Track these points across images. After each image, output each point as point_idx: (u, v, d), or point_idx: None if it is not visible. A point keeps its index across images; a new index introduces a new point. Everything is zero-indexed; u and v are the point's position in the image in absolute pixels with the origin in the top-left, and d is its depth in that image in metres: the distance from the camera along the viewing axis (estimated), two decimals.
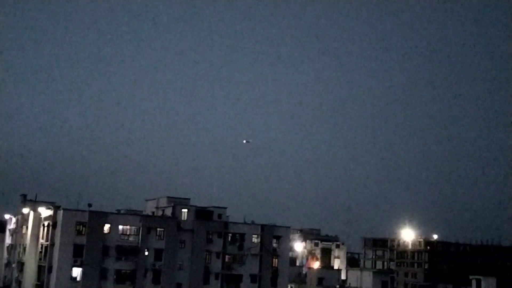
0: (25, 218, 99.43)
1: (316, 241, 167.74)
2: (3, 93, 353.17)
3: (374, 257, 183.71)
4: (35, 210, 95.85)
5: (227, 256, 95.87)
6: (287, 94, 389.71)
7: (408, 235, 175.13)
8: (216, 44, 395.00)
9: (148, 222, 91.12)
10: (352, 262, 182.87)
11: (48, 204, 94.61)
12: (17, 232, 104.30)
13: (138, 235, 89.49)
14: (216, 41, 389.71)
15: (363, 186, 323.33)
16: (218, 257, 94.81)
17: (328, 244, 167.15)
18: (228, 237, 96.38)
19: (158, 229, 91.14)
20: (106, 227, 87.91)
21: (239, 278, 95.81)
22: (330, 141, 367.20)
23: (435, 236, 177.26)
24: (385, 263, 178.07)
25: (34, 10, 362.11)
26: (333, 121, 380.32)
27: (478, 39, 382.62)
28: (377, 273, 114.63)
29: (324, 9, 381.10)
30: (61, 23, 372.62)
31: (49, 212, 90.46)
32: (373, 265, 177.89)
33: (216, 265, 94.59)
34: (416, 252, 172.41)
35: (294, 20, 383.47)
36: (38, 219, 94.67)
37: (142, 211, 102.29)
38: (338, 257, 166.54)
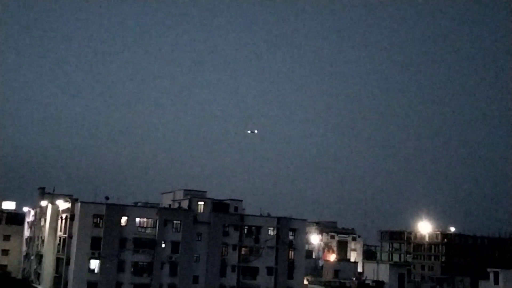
0: (43, 211, 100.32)
1: (333, 233, 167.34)
2: (23, 90, 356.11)
3: (390, 249, 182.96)
4: (53, 203, 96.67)
5: (243, 249, 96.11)
6: (299, 85, 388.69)
7: (425, 227, 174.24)
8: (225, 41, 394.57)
9: (165, 215, 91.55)
10: (369, 254, 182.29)
11: (66, 197, 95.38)
12: (36, 225, 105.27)
13: (155, 227, 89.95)
14: (222, 37, 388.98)
15: (380, 179, 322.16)
16: (234, 249, 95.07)
17: (345, 237, 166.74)
18: (244, 230, 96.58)
19: (175, 221, 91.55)
20: (123, 219, 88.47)
21: (255, 270, 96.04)
22: (348, 133, 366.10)
23: (452, 229, 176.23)
24: (402, 256, 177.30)
25: (36, 11, 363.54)
26: (350, 113, 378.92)
27: (485, 33, 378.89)
28: (393, 265, 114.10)
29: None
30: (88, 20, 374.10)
31: (67, 205, 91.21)
32: (390, 258, 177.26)
33: (233, 258, 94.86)
34: (433, 245, 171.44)
35: (299, 11, 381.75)
36: (56, 212, 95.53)
37: (159, 204, 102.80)
38: (354, 250, 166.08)
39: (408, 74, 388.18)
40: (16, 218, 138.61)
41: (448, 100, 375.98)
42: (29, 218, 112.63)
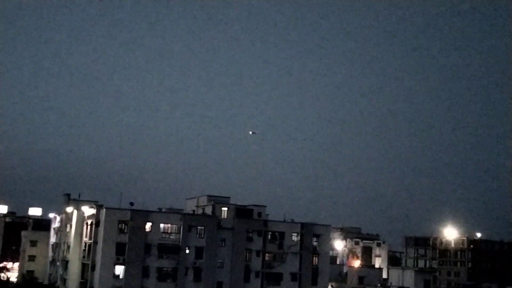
0: (69, 217, 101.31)
1: (357, 239, 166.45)
2: (49, 98, 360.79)
3: (416, 255, 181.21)
4: (78, 209, 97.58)
5: (267, 255, 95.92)
6: (318, 91, 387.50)
7: (450, 233, 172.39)
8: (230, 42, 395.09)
9: (189, 221, 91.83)
10: (394, 260, 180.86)
11: (91, 203, 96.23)
12: (62, 231, 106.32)
13: (179, 233, 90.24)
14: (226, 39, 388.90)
15: (405, 184, 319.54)
16: (258, 255, 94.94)
17: (369, 243, 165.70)
18: (268, 236, 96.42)
19: (199, 227, 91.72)
20: (148, 225, 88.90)
21: (279, 276, 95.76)
22: (371, 138, 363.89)
23: (479, 235, 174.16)
24: (427, 262, 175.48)
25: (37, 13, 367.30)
26: (376, 118, 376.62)
27: (486, 33, 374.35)
28: (419, 272, 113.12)
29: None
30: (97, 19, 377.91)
31: (92, 211, 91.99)
32: (415, 264, 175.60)
33: (257, 263, 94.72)
34: (459, 251, 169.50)
35: (300, 12, 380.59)
36: (81, 218, 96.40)
37: (182, 210, 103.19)
38: (379, 256, 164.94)
39: (424, 73, 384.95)
40: (42, 224, 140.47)
41: (476, 104, 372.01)
42: (55, 224, 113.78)
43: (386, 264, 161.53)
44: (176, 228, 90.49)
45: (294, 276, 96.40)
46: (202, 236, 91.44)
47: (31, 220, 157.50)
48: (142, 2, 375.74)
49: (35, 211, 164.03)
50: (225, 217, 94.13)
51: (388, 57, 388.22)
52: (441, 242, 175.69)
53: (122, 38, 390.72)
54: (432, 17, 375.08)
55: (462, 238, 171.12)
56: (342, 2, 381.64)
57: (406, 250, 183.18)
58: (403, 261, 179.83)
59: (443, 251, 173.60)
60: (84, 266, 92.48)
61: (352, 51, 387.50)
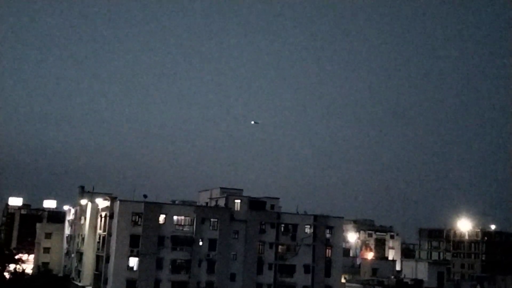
0: (83, 209, 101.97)
1: (370, 231, 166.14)
2: (62, 93, 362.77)
3: (429, 247, 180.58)
4: (92, 201, 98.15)
5: (280, 247, 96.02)
6: (326, 80, 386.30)
7: (464, 225, 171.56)
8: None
9: (202, 213, 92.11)
10: (407, 253, 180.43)
11: (105, 195, 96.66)
12: (76, 223, 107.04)
13: (193, 225, 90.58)
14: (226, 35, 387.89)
15: (419, 176, 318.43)
16: (271, 247, 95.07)
17: (382, 235, 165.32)
18: (281, 228, 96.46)
19: (212, 219, 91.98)
20: (162, 217, 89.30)
21: (292, 268, 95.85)
22: (383, 130, 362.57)
23: (493, 227, 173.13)
24: (441, 254, 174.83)
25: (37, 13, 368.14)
26: (388, 109, 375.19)
27: (486, 32, 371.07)
28: (432, 264, 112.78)
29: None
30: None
31: (106, 203, 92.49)
32: (429, 256, 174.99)
33: (270, 256, 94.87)
34: (473, 243, 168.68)
35: (301, 8, 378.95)
36: (95, 210, 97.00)
37: (196, 202, 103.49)
38: (392, 248, 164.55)
39: (433, 62, 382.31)
40: (57, 217, 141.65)
41: (492, 97, 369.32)
42: (70, 217, 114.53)
43: (399, 256, 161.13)
44: (190, 220, 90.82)
45: (307, 268, 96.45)
46: (215, 228, 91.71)
47: (45, 213, 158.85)
48: (140, 3, 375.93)
49: (49, 204, 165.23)
50: (238, 209, 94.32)
51: (400, 44, 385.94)
52: (455, 234, 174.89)
53: (130, 33, 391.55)
54: (434, 16, 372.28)
55: (476, 230, 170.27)
56: (343, 2, 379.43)
57: (420, 242, 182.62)
58: (417, 253, 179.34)
59: (457, 243, 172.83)
60: (98, 258, 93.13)
61: (360, 40, 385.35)
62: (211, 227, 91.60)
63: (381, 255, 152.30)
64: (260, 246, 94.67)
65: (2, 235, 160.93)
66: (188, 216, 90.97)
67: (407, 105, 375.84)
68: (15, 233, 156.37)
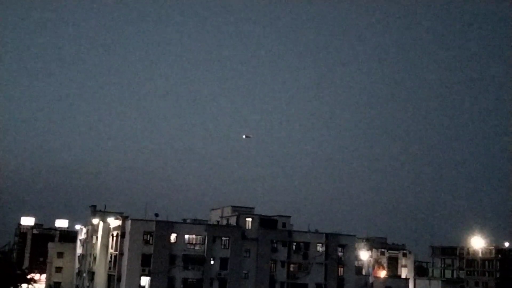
0: (95, 229, 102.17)
1: (383, 249, 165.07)
2: (71, 109, 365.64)
3: (443, 265, 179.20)
4: (104, 221, 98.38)
5: (292, 265, 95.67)
6: (330, 95, 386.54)
7: (478, 243, 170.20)
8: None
9: (214, 231, 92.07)
10: (420, 271, 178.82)
11: (116, 214, 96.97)
12: (88, 242, 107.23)
13: (204, 244, 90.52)
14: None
15: (431, 194, 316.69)
16: (283, 266, 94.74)
17: (395, 253, 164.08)
18: (292, 246, 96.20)
19: (223, 238, 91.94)
20: (173, 236, 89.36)
21: (304, 287, 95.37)
22: (395, 146, 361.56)
23: (507, 244, 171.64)
24: (455, 272, 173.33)
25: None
26: (399, 124, 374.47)
27: (486, 32, 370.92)
28: (446, 282, 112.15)
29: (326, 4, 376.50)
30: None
31: (118, 222, 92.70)
32: (442, 274, 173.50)
33: (281, 274, 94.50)
34: (486, 261, 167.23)
35: (297, 13, 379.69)
36: (107, 229, 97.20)
37: (207, 221, 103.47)
38: (405, 266, 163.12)
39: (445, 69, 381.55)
40: (69, 236, 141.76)
41: (501, 112, 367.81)
42: (81, 236, 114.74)
43: (412, 274, 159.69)
44: (201, 239, 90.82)
45: (319, 287, 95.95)
46: (227, 247, 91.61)
47: (57, 232, 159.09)
48: (145, 5, 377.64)
49: (61, 223, 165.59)
50: (250, 227, 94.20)
51: (399, 52, 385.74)
52: (468, 252, 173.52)
53: (140, 45, 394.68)
54: (434, 16, 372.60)
55: (489, 247, 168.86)
56: (340, 4, 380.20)
57: (433, 260, 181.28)
58: (430, 271, 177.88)
59: (471, 261, 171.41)
60: (110, 277, 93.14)
61: (356, 48, 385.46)
62: (222, 246, 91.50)
63: (394, 274, 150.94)
64: (272, 264, 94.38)
65: (14, 254, 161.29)
66: (199, 235, 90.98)
67: (419, 119, 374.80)
68: (27, 253, 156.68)
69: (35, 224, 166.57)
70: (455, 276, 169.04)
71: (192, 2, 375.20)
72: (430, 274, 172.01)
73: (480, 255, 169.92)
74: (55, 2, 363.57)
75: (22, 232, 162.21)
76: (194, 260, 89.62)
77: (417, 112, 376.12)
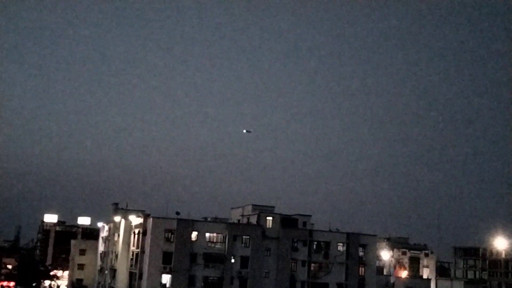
0: (116, 226, 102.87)
1: (404, 249, 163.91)
2: (95, 109, 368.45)
3: (465, 266, 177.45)
4: (126, 218, 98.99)
5: (312, 264, 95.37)
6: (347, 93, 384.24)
7: (501, 243, 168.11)
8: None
9: (234, 230, 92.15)
10: (442, 271, 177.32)
11: (138, 212, 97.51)
12: (110, 240, 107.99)
13: (225, 242, 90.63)
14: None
15: (454, 193, 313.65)
16: (303, 265, 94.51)
17: (417, 253, 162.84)
18: (313, 245, 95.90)
19: (244, 236, 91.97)
20: (194, 234, 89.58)
21: (325, 286, 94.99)
22: (416, 146, 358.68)
23: None
24: (477, 273, 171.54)
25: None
26: (425, 126, 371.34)
27: (486, 32, 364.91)
28: (468, 283, 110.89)
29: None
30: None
31: (139, 220, 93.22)
32: (465, 275, 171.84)
33: (302, 273, 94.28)
34: (510, 261, 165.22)
35: (298, 10, 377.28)
36: (129, 227, 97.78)
37: (228, 219, 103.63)
38: (427, 266, 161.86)
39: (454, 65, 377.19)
40: (91, 233, 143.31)
41: None
42: (103, 233, 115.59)
43: (434, 275, 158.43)
44: (222, 237, 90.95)
45: (340, 287, 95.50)
46: (247, 245, 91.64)
47: (80, 229, 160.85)
48: (143, 3, 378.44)
49: (84, 220, 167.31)
50: (270, 226, 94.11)
51: (399, 54, 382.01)
52: (491, 253, 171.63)
53: (150, 47, 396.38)
54: (434, 15, 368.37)
55: None
56: (342, 3, 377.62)
57: (455, 261, 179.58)
58: (452, 272, 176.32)
59: (494, 262, 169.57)
60: (131, 274, 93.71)
61: (355, 49, 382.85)
62: (243, 245, 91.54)
63: (415, 274, 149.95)
64: (293, 263, 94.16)
65: (38, 251, 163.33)
66: (220, 233, 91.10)
67: (440, 118, 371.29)
68: (50, 250, 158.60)
69: (58, 221, 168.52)
70: (477, 277, 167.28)
71: (194, 0, 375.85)
72: (452, 274, 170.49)
73: (503, 255, 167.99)
74: (55, 2, 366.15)
75: (45, 229, 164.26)
76: (214, 259, 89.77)
77: (439, 111, 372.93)
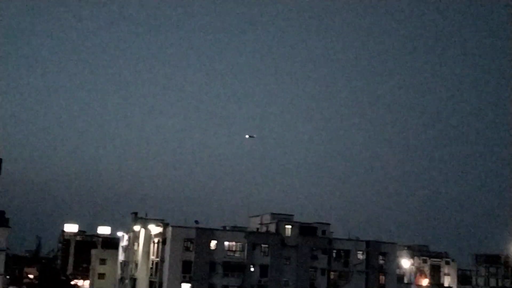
0: (136, 236, 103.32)
1: (425, 257, 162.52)
2: (114, 121, 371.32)
3: (487, 274, 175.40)
4: (145, 228, 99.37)
5: (332, 273, 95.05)
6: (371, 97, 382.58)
7: None
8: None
9: (253, 239, 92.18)
10: (464, 279, 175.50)
11: (157, 221, 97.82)
12: (130, 249, 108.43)
13: (244, 251, 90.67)
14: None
15: (475, 200, 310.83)
16: (323, 273, 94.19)
17: (437, 261, 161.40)
18: (332, 254, 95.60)
19: (263, 245, 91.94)
20: (213, 243, 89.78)
21: None
22: (438, 153, 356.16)
23: None
24: (499, 281, 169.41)
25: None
26: (445, 132, 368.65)
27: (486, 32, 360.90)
28: None
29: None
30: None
31: (159, 229, 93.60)
32: (486, 283, 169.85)
33: (322, 282, 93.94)
34: None
35: (300, 14, 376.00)
36: (148, 236, 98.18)
37: (246, 228, 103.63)
38: (448, 274, 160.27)
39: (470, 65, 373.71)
40: (111, 243, 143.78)
41: None
42: (123, 243, 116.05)
43: (455, 283, 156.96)
44: (241, 246, 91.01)
45: None
46: (267, 254, 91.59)
47: (100, 239, 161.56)
48: (139, 5, 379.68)
49: (104, 230, 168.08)
50: (289, 235, 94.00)
51: (396, 56, 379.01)
52: None
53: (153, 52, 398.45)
54: (434, 15, 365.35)
55: None
56: (343, 5, 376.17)
57: (477, 269, 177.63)
58: (474, 280, 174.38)
59: None
60: (151, 284, 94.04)
61: (358, 52, 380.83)
62: (262, 253, 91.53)
63: (436, 282, 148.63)
64: (312, 272, 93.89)
65: (59, 261, 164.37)
66: (239, 242, 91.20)
67: (463, 124, 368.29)
68: (71, 259, 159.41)
69: (79, 231, 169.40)
70: (499, 285, 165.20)
71: (197, 3, 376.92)
72: (474, 282, 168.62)
73: None
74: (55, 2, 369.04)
75: (65, 239, 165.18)
76: (234, 267, 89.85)
77: (462, 117, 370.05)
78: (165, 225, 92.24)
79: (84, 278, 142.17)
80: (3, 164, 79.58)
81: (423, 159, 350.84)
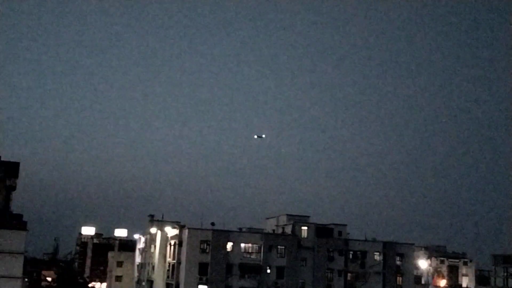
0: (153, 238, 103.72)
1: (442, 258, 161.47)
2: (134, 121, 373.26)
3: (505, 274, 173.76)
4: (162, 230, 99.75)
5: (349, 274, 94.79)
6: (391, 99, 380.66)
7: None
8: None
9: (269, 240, 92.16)
10: (482, 280, 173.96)
11: (173, 223, 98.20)
12: (146, 251, 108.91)
13: (260, 253, 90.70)
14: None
15: (492, 200, 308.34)
16: (340, 275, 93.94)
17: (455, 261, 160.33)
18: (349, 255, 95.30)
19: (279, 246, 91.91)
20: (229, 245, 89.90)
21: None
22: (455, 152, 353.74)
23: None
24: None
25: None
26: (464, 132, 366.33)
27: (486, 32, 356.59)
28: None
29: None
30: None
31: (175, 231, 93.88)
32: (505, 284, 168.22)
33: (339, 283, 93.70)
34: None
35: (304, 13, 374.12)
36: (165, 238, 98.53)
37: (263, 229, 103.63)
38: (466, 275, 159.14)
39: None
40: (128, 245, 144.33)
41: None
42: (140, 245, 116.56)
43: (474, 283, 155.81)
44: (257, 247, 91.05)
45: None
46: (283, 255, 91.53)
47: (117, 241, 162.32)
48: (140, 6, 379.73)
49: (120, 232, 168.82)
50: (305, 236, 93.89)
51: (405, 54, 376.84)
52: None
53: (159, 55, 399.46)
54: (434, 15, 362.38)
55: None
56: (345, 6, 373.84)
57: (495, 269, 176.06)
58: (492, 281, 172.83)
59: None
60: (168, 286, 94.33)
61: (364, 51, 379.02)
62: (278, 255, 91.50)
63: (454, 283, 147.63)
64: (329, 273, 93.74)
65: (76, 263, 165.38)
66: (255, 244, 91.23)
67: (486, 123, 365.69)
68: (88, 262, 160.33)
69: (96, 233, 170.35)
70: None
71: (202, 3, 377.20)
72: (493, 283, 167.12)
73: None
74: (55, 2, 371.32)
75: (83, 242, 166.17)
76: (250, 269, 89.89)
77: (482, 116, 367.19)
78: (181, 227, 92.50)
79: (102, 280, 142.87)
80: (21, 167, 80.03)
81: (440, 159, 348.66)
